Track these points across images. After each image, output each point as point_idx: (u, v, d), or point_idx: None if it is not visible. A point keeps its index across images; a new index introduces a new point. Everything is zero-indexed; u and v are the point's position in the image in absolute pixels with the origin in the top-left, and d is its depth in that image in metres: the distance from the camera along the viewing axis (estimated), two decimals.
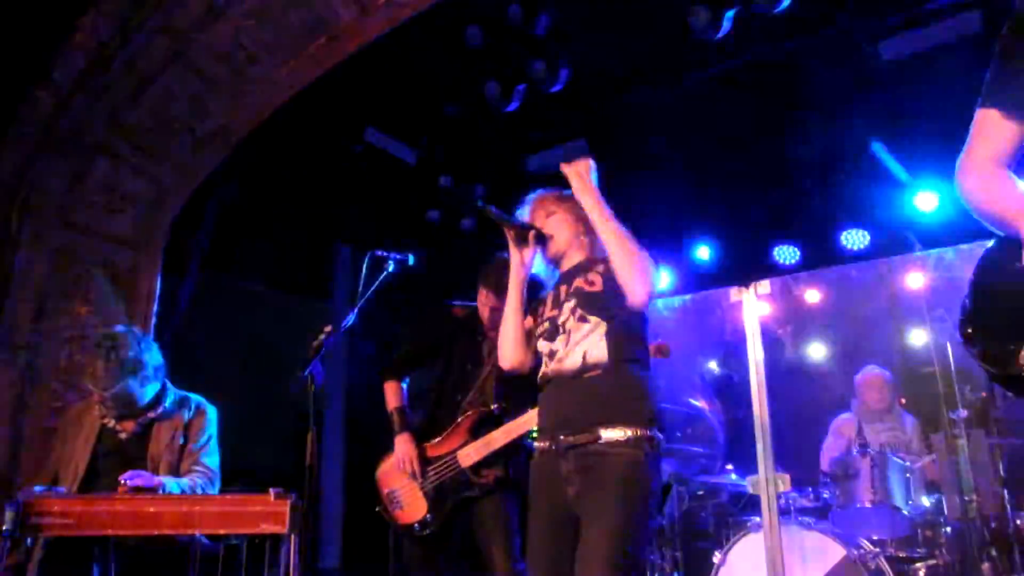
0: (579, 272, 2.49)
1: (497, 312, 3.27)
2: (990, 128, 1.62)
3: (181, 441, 3.23)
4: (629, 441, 2.21)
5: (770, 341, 5.23)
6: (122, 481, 2.82)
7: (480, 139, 5.38)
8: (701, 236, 5.84)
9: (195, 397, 3.36)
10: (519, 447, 3.32)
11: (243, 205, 5.41)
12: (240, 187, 5.18)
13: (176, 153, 4.43)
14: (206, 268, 5.11)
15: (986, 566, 3.91)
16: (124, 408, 3.13)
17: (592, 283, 2.42)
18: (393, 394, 3.47)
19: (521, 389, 3.17)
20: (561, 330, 2.39)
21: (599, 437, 2.22)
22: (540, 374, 2.45)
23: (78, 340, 4.16)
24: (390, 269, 3.22)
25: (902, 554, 4.14)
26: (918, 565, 4.15)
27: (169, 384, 3.29)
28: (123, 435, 3.16)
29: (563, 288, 2.49)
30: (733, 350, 6.07)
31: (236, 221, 5.33)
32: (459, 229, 6.03)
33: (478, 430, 3.27)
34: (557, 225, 2.54)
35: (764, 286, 4.00)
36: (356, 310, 3.08)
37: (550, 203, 2.59)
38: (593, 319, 2.35)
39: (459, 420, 3.32)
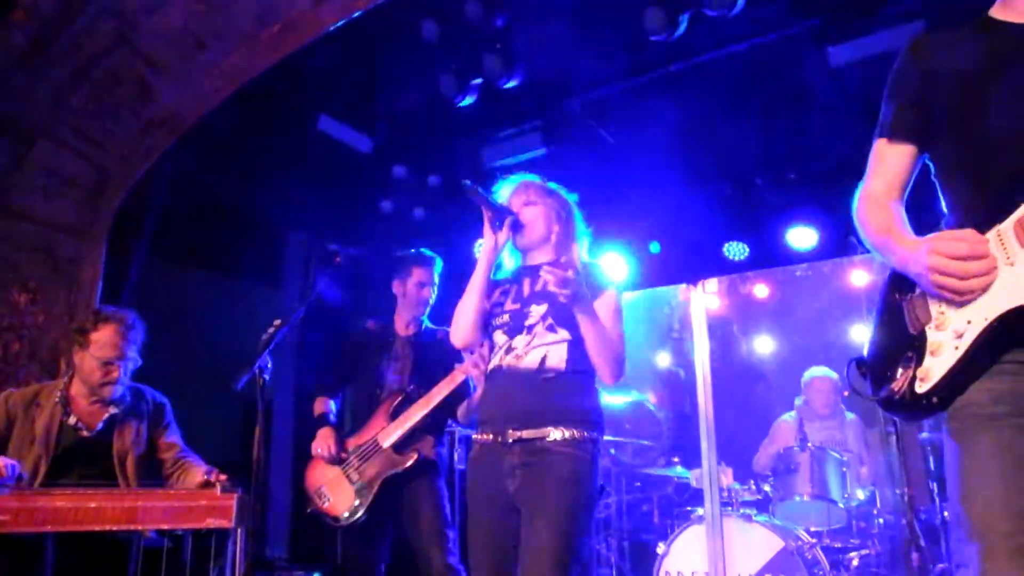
0: None
1: (426, 287, 3.57)
2: (881, 157, 1.75)
3: (145, 435, 3.18)
4: (576, 441, 2.27)
5: (717, 337, 5.33)
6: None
7: (435, 130, 5.36)
8: (652, 231, 5.91)
9: (147, 388, 3.30)
10: (442, 427, 3.43)
11: (193, 191, 5.30)
12: (190, 173, 5.07)
13: (121, 138, 4.31)
14: (153, 255, 4.99)
15: (915, 556, 4.07)
16: (106, 392, 3.07)
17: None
18: (319, 405, 3.59)
19: (434, 370, 3.37)
20: (526, 331, 2.42)
21: (548, 435, 2.27)
22: (492, 365, 2.47)
23: (16, 329, 4.04)
24: (340, 262, 3.24)
25: (837, 544, 4.30)
26: (852, 555, 4.32)
27: None
28: (85, 432, 3.07)
29: (527, 282, 2.51)
30: (681, 345, 6.18)
31: (185, 208, 5.22)
32: (412, 219, 6.00)
33: (396, 413, 3.37)
34: (534, 218, 2.54)
35: (712, 283, 4.09)
36: (307, 303, 3.09)
37: (533, 192, 2.59)
38: (562, 332, 2.39)
39: (377, 408, 3.42)
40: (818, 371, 5.23)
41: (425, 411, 3.29)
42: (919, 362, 1.54)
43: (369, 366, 3.57)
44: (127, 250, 4.65)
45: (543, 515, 2.19)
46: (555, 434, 2.27)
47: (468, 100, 4.36)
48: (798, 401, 5.29)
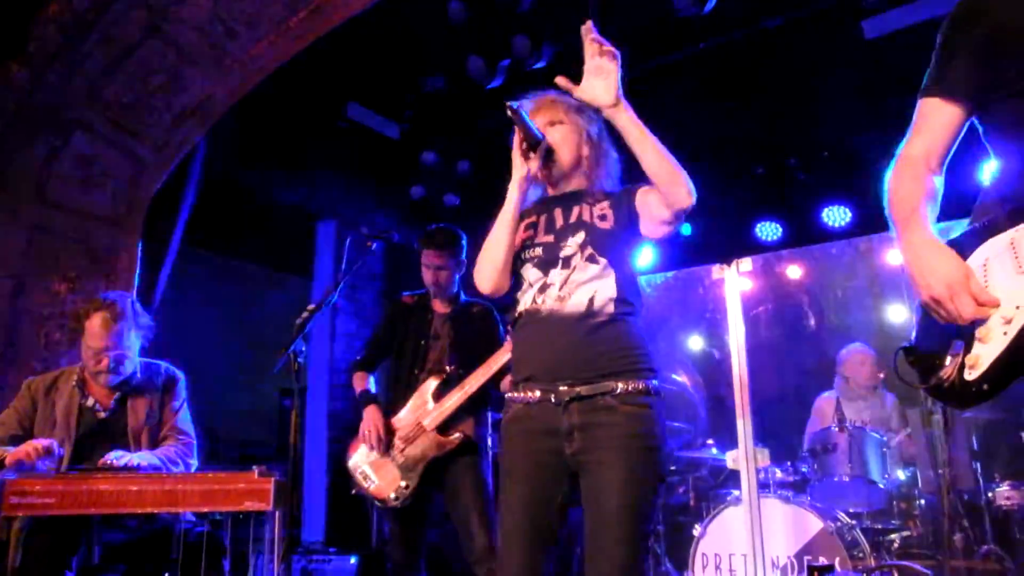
0: (582, 201, 2.26)
1: (442, 270, 3.48)
2: (929, 116, 1.67)
3: (158, 409, 3.20)
4: (639, 394, 2.06)
5: (751, 317, 5.26)
6: (109, 461, 2.85)
7: (464, 114, 5.35)
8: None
9: (162, 364, 3.33)
10: (482, 405, 3.42)
11: (225, 180, 5.36)
12: (222, 161, 5.12)
13: (155, 128, 4.37)
14: (187, 243, 5.06)
15: (958, 537, 4.00)
16: (102, 380, 3.09)
17: (604, 218, 2.22)
18: (359, 380, 3.56)
19: (473, 351, 3.35)
20: (563, 264, 2.17)
21: (611, 389, 2.03)
22: (522, 307, 2.21)
23: (57, 318, 4.13)
24: (373, 248, 3.24)
25: (878, 526, 4.23)
26: (893, 536, 4.25)
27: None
28: (102, 413, 3.13)
29: (559, 212, 2.27)
30: (715, 326, 6.13)
31: (218, 196, 5.28)
32: (442, 205, 6.00)
33: (438, 395, 3.36)
34: (562, 139, 2.27)
35: (746, 263, 4.02)
36: (339, 288, 3.10)
37: (560, 110, 2.30)
38: (603, 261, 2.14)
39: (419, 389, 3.41)
40: (856, 346, 5.11)
41: (468, 394, 3.27)
42: (968, 349, 1.52)
43: (408, 344, 3.52)
44: (162, 239, 4.71)
45: (614, 478, 1.97)
46: (618, 387, 2.03)
47: (497, 82, 4.34)
48: (836, 382, 5.21)
